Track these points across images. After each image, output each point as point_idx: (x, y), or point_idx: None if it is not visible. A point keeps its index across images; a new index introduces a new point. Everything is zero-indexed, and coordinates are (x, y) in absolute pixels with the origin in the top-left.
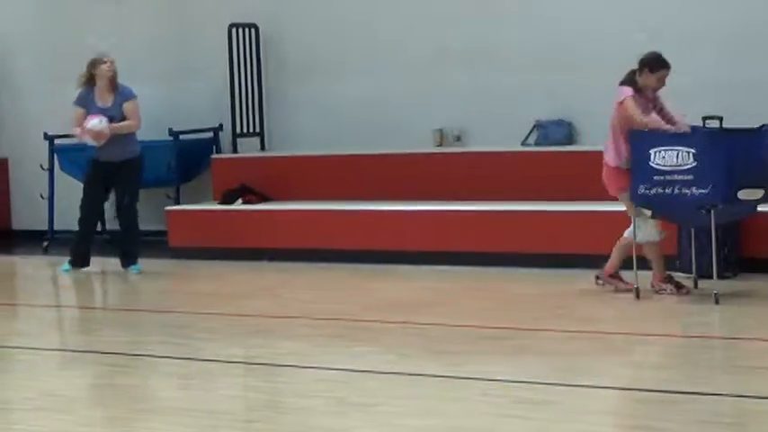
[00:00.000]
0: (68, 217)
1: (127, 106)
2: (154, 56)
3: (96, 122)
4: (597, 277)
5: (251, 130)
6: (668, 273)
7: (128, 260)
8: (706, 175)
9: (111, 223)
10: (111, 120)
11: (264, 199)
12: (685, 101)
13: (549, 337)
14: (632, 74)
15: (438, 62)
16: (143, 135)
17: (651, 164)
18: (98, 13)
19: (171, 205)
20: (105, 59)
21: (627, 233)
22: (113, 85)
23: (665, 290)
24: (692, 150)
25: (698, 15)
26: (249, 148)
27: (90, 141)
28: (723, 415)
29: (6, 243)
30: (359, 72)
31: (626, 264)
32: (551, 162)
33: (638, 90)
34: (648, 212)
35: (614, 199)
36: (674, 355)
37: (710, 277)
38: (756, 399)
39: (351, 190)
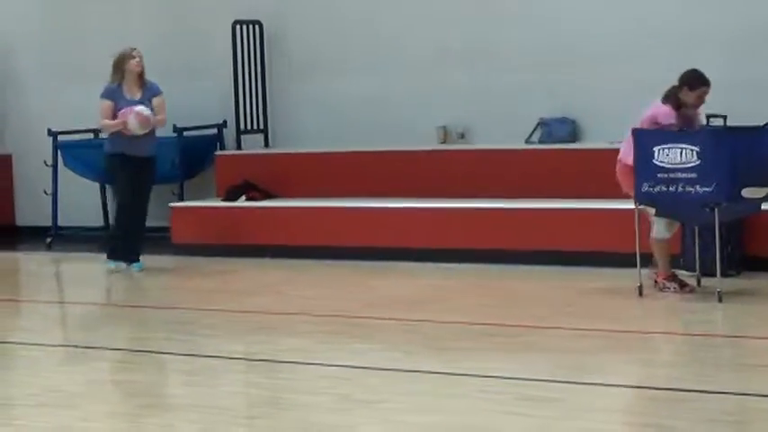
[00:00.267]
0: (72, 213)
1: (157, 101)
2: (158, 53)
3: (145, 108)
4: (655, 282)
5: (255, 127)
6: (672, 271)
7: (131, 257)
8: (710, 173)
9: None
10: None
11: (268, 196)
12: None
13: (553, 334)
14: (675, 90)
15: (441, 60)
16: None
17: (655, 162)
18: (102, 9)
19: (175, 201)
20: (134, 54)
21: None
22: (142, 79)
23: (668, 288)
24: (696, 148)
25: (700, 14)
26: (253, 145)
27: (135, 127)
28: (728, 413)
29: (10, 239)
30: (362, 69)
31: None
32: (555, 160)
33: (679, 107)
34: (652, 210)
35: (621, 196)
36: (678, 353)
37: (714, 275)
38: (760, 397)
39: (354, 187)
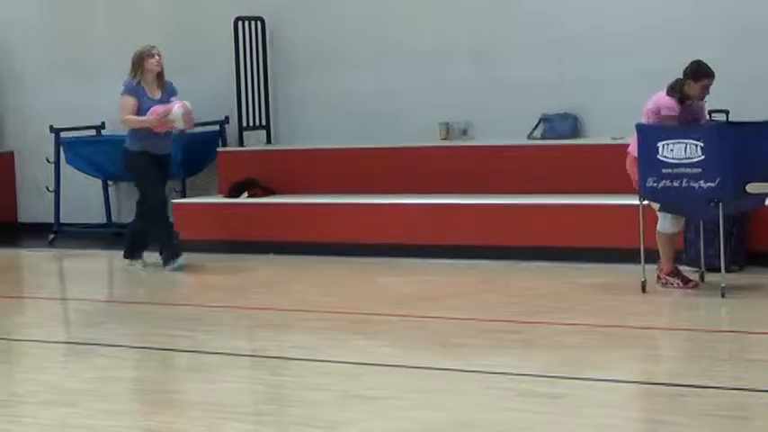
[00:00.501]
0: (74, 210)
1: (174, 100)
2: (160, 49)
3: (189, 104)
4: (658, 277)
5: (257, 124)
6: (675, 266)
7: (140, 254)
8: (714, 168)
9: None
10: None
11: (270, 192)
12: None
13: (557, 330)
14: (680, 82)
15: (444, 56)
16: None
17: (659, 157)
18: (104, 6)
19: (177, 198)
20: (153, 52)
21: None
22: (161, 79)
23: (671, 283)
24: (701, 144)
25: (704, 8)
26: (255, 142)
27: (178, 118)
28: (730, 408)
29: (12, 236)
30: (365, 65)
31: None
32: (557, 155)
33: (683, 99)
34: (657, 205)
35: (623, 192)
36: (681, 348)
37: (718, 271)
38: (763, 392)
39: (357, 184)
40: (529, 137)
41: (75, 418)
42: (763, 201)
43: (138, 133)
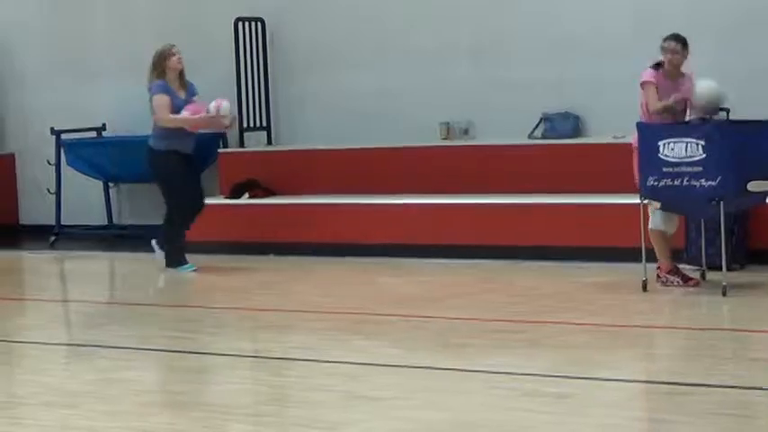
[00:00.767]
0: (75, 212)
1: (196, 100)
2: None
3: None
4: (657, 276)
5: (257, 125)
6: (674, 264)
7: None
8: (715, 166)
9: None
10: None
11: (271, 193)
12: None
13: (559, 330)
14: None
15: (444, 56)
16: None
17: (660, 156)
18: (104, 7)
19: None
20: (174, 51)
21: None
22: (183, 78)
23: (671, 282)
24: (702, 142)
25: (703, 7)
26: (256, 143)
27: (227, 111)
28: (733, 407)
29: (13, 238)
30: (365, 66)
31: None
32: (558, 155)
33: (659, 68)
34: (658, 204)
35: (624, 191)
36: (683, 347)
37: (719, 269)
38: (765, 390)
39: (358, 184)
40: (530, 136)
41: (76, 419)
42: (764, 199)
43: (166, 132)
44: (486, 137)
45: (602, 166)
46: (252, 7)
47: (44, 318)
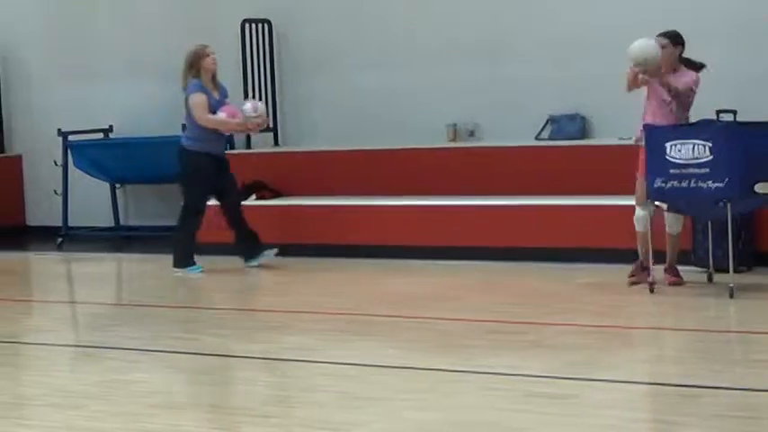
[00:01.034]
0: (82, 213)
1: (228, 102)
2: (167, 52)
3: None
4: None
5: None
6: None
7: (255, 252)
8: (722, 168)
9: (124, 219)
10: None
11: (278, 194)
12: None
13: (563, 331)
14: None
15: (451, 57)
16: (157, 131)
17: (667, 157)
18: (110, 8)
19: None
20: (208, 52)
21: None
22: (215, 78)
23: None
24: (709, 144)
25: (711, 8)
26: (263, 144)
27: (263, 111)
28: (740, 408)
29: (20, 239)
30: (372, 67)
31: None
32: (565, 156)
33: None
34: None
35: (631, 193)
36: (690, 349)
37: (725, 271)
38: None
39: (364, 185)
40: (536, 138)
41: (83, 420)
42: None
43: (201, 133)
44: (493, 138)
45: (609, 168)
46: (259, 8)
47: (51, 319)
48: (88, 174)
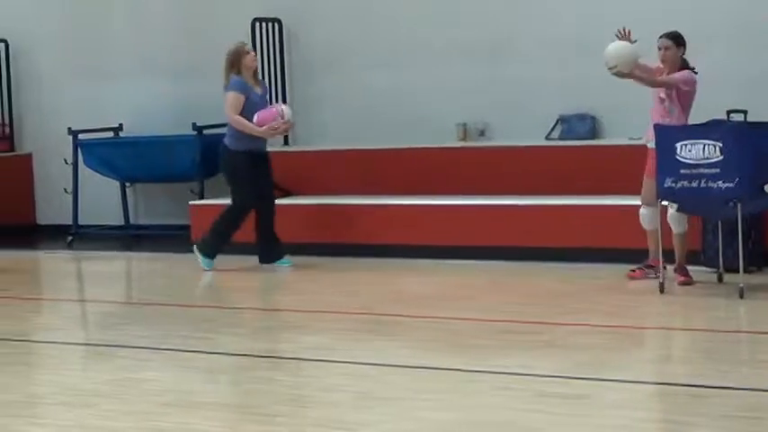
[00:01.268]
0: (92, 212)
1: (267, 99)
2: (177, 51)
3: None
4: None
5: None
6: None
7: (278, 253)
8: (732, 168)
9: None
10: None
11: (288, 193)
12: (707, 94)
13: (575, 331)
14: None
15: (461, 56)
16: (167, 130)
17: (678, 157)
18: (121, 7)
19: (195, 200)
20: (248, 50)
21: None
22: (257, 74)
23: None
24: (719, 144)
25: (719, 8)
26: (273, 143)
27: (290, 115)
28: (749, 409)
29: (31, 238)
30: (382, 66)
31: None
32: (575, 156)
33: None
34: (675, 206)
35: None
36: (700, 349)
37: (735, 271)
38: None
39: (374, 185)
40: (547, 138)
41: (94, 419)
42: None
43: (243, 132)
44: (503, 138)
45: (619, 168)
46: (269, 8)
47: (61, 317)
48: (98, 172)
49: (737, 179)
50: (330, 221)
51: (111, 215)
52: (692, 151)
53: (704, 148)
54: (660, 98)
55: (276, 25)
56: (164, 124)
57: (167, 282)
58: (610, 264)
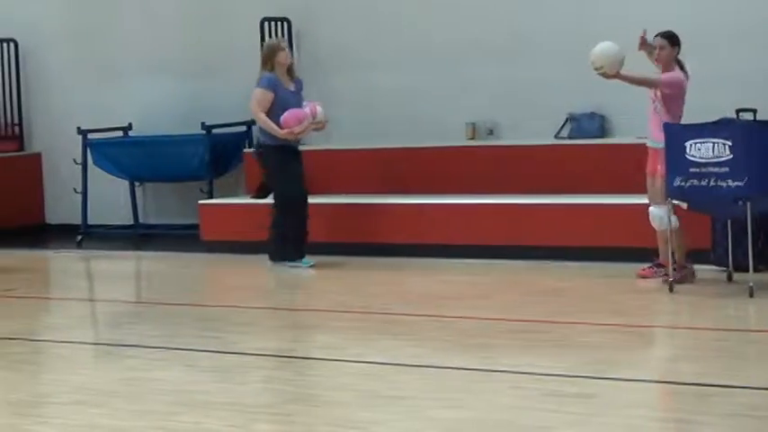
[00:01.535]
0: (102, 211)
1: (303, 95)
2: (186, 50)
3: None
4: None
5: None
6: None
7: (301, 251)
8: (742, 167)
9: (143, 217)
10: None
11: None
12: (716, 93)
13: (583, 330)
14: None
15: (470, 55)
16: (176, 129)
17: (687, 156)
18: (130, 7)
19: (204, 199)
20: (282, 47)
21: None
22: (291, 71)
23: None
24: (728, 143)
25: (729, 6)
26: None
27: (322, 117)
28: (759, 408)
29: (40, 237)
30: (391, 66)
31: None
32: (584, 155)
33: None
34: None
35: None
36: (709, 348)
37: (744, 270)
38: None
39: (383, 184)
40: (556, 137)
41: (104, 418)
42: None
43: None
44: (512, 137)
45: (628, 167)
46: (278, 7)
47: (71, 317)
48: (108, 172)
49: (747, 178)
50: (339, 221)
51: (120, 214)
52: (701, 150)
53: (714, 147)
54: (651, 98)
55: (285, 24)
56: (173, 124)
57: (176, 281)
58: (619, 262)
